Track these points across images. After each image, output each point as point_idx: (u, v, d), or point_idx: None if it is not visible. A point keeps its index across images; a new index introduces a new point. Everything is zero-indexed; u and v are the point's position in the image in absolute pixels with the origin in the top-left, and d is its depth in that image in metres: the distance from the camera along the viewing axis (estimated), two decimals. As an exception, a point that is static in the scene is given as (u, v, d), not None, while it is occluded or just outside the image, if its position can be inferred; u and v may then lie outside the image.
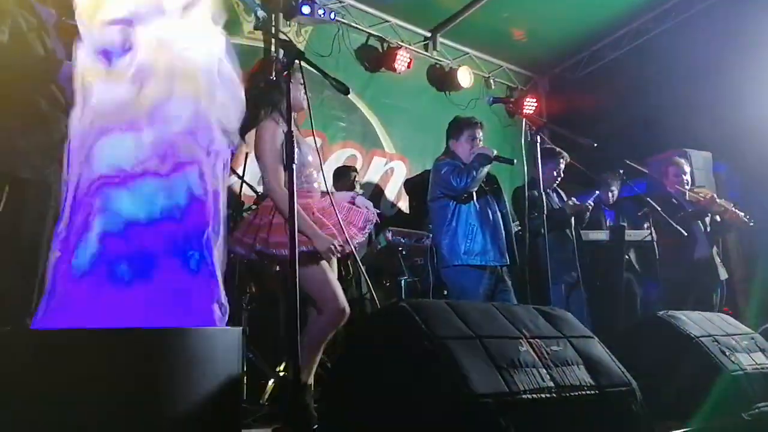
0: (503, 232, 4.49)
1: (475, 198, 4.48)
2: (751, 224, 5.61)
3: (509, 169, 6.47)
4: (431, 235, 5.02)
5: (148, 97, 1.98)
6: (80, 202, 1.97)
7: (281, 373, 4.15)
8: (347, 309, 3.10)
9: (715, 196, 5.56)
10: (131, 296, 1.84)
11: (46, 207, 2.55)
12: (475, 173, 4.34)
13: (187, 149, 1.97)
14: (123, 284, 1.88)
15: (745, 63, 6.45)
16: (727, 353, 3.20)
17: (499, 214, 4.53)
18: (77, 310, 1.84)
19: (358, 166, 6.48)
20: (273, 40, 5.70)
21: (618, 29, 7.90)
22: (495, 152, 4.43)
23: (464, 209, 4.46)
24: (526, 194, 4.30)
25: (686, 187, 5.58)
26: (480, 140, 4.55)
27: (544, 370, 2.23)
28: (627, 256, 5.63)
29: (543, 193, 4.09)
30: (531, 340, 2.32)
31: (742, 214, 5.54)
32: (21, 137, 2.65)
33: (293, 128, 2.53)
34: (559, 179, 5.26)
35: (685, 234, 5.24)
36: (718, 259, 5.54)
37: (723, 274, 5.55)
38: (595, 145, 4.07)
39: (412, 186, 6.82)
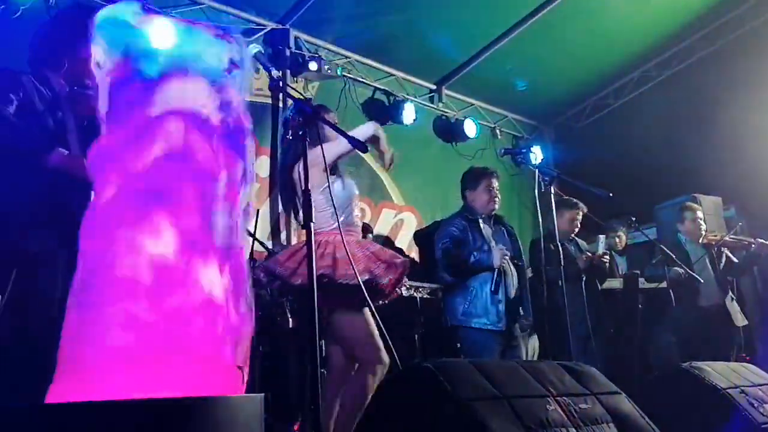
0: (511, 290, 4.40)
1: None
2: None
3: (520, 220, 6.46)
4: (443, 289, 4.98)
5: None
6: (95, 267, 1.95)
7: (297, 434, 4.07)
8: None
9: (726, 236, 5.51)
10: (149, 365, 1.80)
11: (56, 277, 2.53)
12: (467, 269, 4.29)
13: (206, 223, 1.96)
14: (140, 352, 1.84)
15: (752, 106, 6.48)
16: (756, 405, 3.11)
17: (509, 273, 4.43)
18: (92, 382, 1.79)
19: (366, 219, 6.46)
20: (282, 96, 5.76)
21: (621, 77, 8.01)
22: (503, 265, 4.36)
23: None
24: (542, 246, 4.25)
25: (702, 233, 5.54)
26: (497, 189, 4.52)
27: (574, 430, 2.16)
28: (639, 305, 5.56)
29: (559, 244, 4.06)
30: (558, 399, 2.25)
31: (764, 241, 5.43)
32: (28, 209, 2.64)
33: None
34: (576, 230, 5.23)
35: (702, 281, 5.18)
36: (735, 306, 5.43)
37: (740, 321, 5.43)
38: (611, 195, 4.05)
39: (422, 237, 6.79)
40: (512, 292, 4.40)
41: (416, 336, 4.94)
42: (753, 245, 5.42)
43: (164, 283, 1.82)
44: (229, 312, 1.93)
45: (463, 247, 4.33)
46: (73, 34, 2.90)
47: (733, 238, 5.57)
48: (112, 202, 1.89)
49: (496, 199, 4.52)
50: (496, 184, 4.53)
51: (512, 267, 4.45)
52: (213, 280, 1.90)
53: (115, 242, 1.82)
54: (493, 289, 4.27)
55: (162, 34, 2.36)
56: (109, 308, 1.79)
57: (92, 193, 2.12)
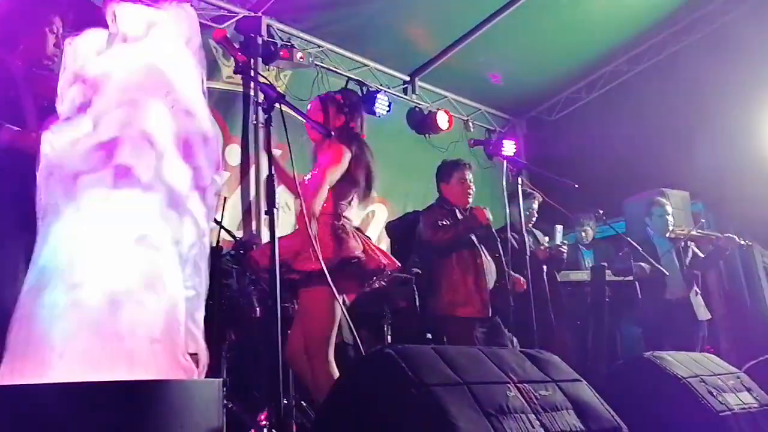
0: (490, 281, 4.42)
1: (460, 247, 4.42)
2: (746, 243, 5.55)
3: (492, 213, 6.47)
4: (413, 279, 4.98)
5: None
6: (44, 248, 1.92)
7: (263, 423, 4.05)
8: None
9: (693, 231, 5.57)
10: (99, 347, 1.77)
11: (16, 260, 2.48)
12: (454, 234, 4.29)
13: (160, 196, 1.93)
14: (91, 334, 1.81)
15: (721, 101, 6.57)
16: (715, 393, 3.16)
17: (487, 263, 4.45)
18: (43, 363, 1.76)
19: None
20: (252, 84, 5.71)
21: (592, 72, 8.07)
22: (489, 221, 4.36)
23: (449, 258, 4.40)
24: (509, 236, 4.28)
25: (669, 228, 5.60)
26: (470, 182, 4.52)
27: (533, 416, 2.18)
28: (607, 297, 5.62)
29: (525, 233, 4.09)
30: (519, 385, 2.27)
31: (735, 236, 5.50)
32: None
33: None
34: (533, 220, 5.27)
35: (667, 274, 5.24)
36: (699, 300, 5.50)
37: (703, 315, 5.50)
38: (576, 186, 4.09)
39: (393, 229, 6.78)
40: (491, 284, 4.41)
41: (385, 326, 4.93)
42: (719, 239, 5.49)
43: (115, 266, 1.80)
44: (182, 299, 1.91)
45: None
46: (30, 14, 2.85)
47: (699, 233, 5.64)
48: (62, 183, 1.86)
49: (470, 191, 4.52)
50: (469, 176, 4.53)
51: (490, 259, 4.47)
52: (166, 265, 1.88)
53: (66, 223, 1.79)
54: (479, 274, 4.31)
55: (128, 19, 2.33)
56: (59, 290, 1.76)
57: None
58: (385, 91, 7.09)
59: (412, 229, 5.64)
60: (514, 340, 4.48)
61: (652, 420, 2.98)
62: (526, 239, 4.13)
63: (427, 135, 7.69)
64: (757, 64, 6.41)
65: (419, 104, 7.68)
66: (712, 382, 3.23)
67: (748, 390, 3.40)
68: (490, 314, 4.33)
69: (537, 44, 7.18)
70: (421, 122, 7.64)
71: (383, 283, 3.48)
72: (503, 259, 4.52)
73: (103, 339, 1.75)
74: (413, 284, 5.10)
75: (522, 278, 4.38)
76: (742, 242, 5.49)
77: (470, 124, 8.15)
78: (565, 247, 5.18)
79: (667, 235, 5.59)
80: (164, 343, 1.85)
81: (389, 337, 4.94)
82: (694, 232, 5.60)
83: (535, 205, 5.24)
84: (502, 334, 4.37)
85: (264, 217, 5.62)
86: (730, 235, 5.46)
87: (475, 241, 4.47)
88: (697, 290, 5.54)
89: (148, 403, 1.70)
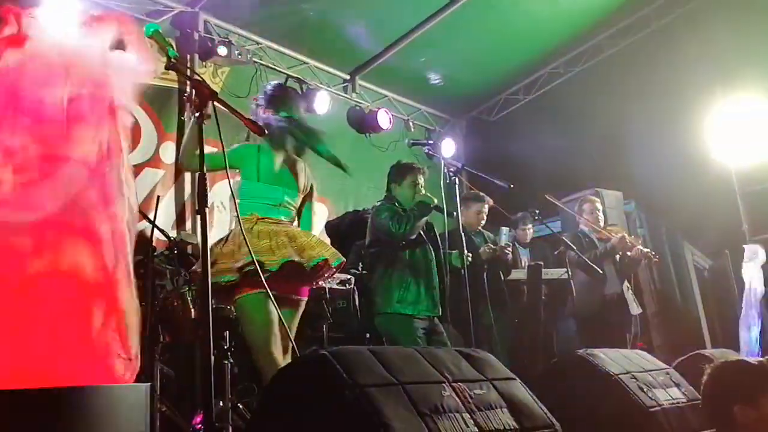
0: (437, 282, 4.44)
1: (412, 246, 4.43)
2: (656, 259, 5.77)
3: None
4: (352, 279, 4.96)
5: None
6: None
7: (198, 426, 3.97)
8: None
9: (626, 235, 5.68)
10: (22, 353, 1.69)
11: None
12: (414, 221, 4.29)
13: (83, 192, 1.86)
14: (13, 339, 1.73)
15: (656, 104, 6.76)
16: (645, 389, 3.24)
17: (434, 263, 4.48)
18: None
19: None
20: (188, 81, 5.57)
21: (531, 74, 8.20)
22: (435, 201, 4.38)
23: (400, 256, 4.40)
24: (446, 236, 4.30)
25: (600, 224, 5.72)
26: (422, 185, 4.53)
27: (468, 415, 2.19)
28: (543, 296, 5.72)
29: (463, 234, 4.12)
30: (454, 384, 2.28)
31: (647, 250, 5.70)
32: None
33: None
34: (482, 222, 5.32)
35: (601, 272, 5.36)
36: (630, 295, 5.65)
37: (635, 309, 5.65)
38: (511, 186, 4.14)
39: (333, 228, 6.75)
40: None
41: (324, 326, 4.90)
42: (612, 239, 5.61)
43: (36, 272, 1.72)
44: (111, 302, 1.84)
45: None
46: None
47: (628, 240, 5.73)
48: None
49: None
50: (421, 180, 4.55)
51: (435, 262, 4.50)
52: (89, 268, 1.80)
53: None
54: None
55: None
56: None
57: None
58: (325, 89, 7.03)
59: (351, 228, 5.64)
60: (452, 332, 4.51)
61: (584, 416, 3.04)
62: (463, 240, 4.16)
63: (367, 134, 7.67)
64: (690, 66, 6.61)
65: (360, 103, 7.65)
66: (642, 378, 3.32)
67: (677, 385, 3.49)
68: (439, 313, 4.37)
69: (477, 45, 7.25)
70: (362, 121, 7.61)
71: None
72: (445, 271, 4.54)
73: (21, 342, 1.67)
74: (353, 285, 5.09)
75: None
76: (652, 255, 5.69)
77: (410, 123, 8.16)
78: (510, 248, 5.24)
79: (598, 236, 5.71)
80: (90, 346, 1.77)
81: (327, 338, 4.92)
82: (618, 237, 5.70)
83: (485, 208, 5.29)
84: (441, 335, 4.39)
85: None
86: (623, 235, 5.61)
87: (427, 241, 4.49)
88: (629, 285, 5.69)
89: (67, 411, 1.63)
